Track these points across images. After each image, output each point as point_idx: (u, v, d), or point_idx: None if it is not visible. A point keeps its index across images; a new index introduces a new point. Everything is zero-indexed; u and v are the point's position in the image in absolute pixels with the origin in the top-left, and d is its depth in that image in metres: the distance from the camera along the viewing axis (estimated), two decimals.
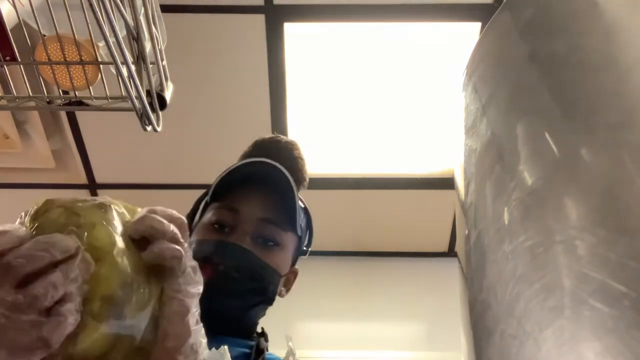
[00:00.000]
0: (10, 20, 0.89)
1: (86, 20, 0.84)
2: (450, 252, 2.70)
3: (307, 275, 2.89)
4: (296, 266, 1.02)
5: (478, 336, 0.45)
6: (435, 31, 2.00)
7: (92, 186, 2.43)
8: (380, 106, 2.20)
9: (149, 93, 0.87)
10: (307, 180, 1.04)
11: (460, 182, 0.59)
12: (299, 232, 0.95)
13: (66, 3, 0.81)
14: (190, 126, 2.21)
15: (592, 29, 0.46)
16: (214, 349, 0.76)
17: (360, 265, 2.69)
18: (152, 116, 0.89)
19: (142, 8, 0.80)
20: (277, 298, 0.97)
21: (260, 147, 1.03)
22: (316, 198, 2.48)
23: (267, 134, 2.24)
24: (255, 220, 0.89)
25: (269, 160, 0.91)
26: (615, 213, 0.34)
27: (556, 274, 0.35)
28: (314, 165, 2.39)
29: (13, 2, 0.85)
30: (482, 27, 1.99)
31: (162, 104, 0.90)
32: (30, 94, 0.96)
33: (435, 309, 2.49)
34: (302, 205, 1.00)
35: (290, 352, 0.78)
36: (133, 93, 0.85)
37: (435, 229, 2.62)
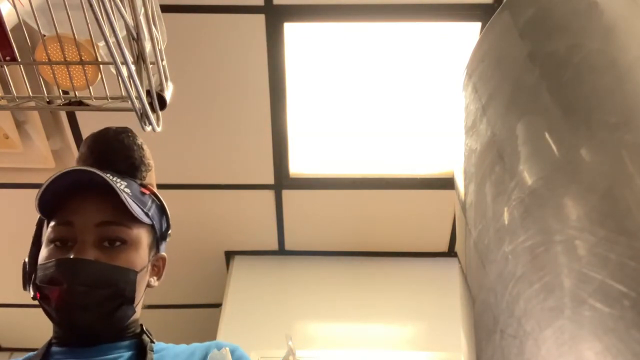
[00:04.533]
0: (10, 20, 0.89)
1: (86, 20, 0.84)
2: (450, 252, 2.70)
3: (307, 275, 2.90)
4: (164, 253, 0.99)
5: (478, 336, 0.45)
6: (435, 31, 2.00)
7: None
8: (380, 106, 2.20)
9: (149, 93, 0.87)
10: (150, 163, 1.00)
11: (460, 182, 0.59)
12: (149, 221, 0.93)
13: (66, 3, 0.82)
14: (190, 126, 2.21)
15: (591, 29, 0.46)
16: (215, 350, 0.76)
17: (360, 265, 2.69)
18: (152, 116, 0.89)
19: (142, 8, 0.80)
20: (149, 290, 0.95)
21: (90, 142, 0.99)
22: (316, 198, 2.49)
23: (267, 133, 2.25)
24: (92, 227, 0.87)
25: (78, 167, 0.89)
26: (615, 213, 0.34)
27: (556, 274, 0.35)
28: (314, 165, 2.39)
29: (13, 2, 0.85)
30: (482, 27, 1.99)
31: (162, 104, 0.90)
32: (30, 94, 0.96)
33: (435, 309, 2.49)
34: (147, 192, 0.97)
35: (290, 352, 0.78)
36: (133, 93, 0.85)
37: (435, 229, 2.62)
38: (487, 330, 0.41)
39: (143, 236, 0.92)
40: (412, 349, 2.40)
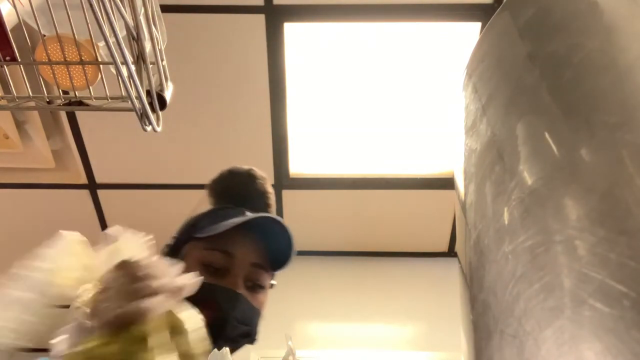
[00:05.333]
0: (10, 20, 0.89)
1: (86, 20, 0.84)
2: (450, 252, 2.70)
3: (308, 276, 2.90)
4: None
5: (478, 336, 0.45)
6: (435, 31, 2.00)
7: (92, 186, 2.43)
8: (380, 106, 2.20)
9: (149, 93, 0.87)
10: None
11: (460, 182, 0.59)
12: (275, 272, 1.00)
13: (66, 3, 0.81)
14: (190, 126, 2.21)
15: (591, 29, 0.46)
16: (215, 349, 0.77)
17: (360, 265, 2.69)
18: (152, 116, 0.89)
19: (142, 8, 0.80)
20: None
21: (236, 177, 1.07)
22: (316, 198, 2.49)
23: (267, 133, 2.25)
24: (248, 265, 0.93)
25: (275, 217, 0.94)
26: (615, 213, 0.34)
27: (556, 274, 0.35)
28: (314, 165, 2.39)
29: (13, 2, 0.85)
30: (482, 27, 1.99)
31: (162, 104, 0.90)
32: (30, 94, 0.96)
33: (435, 309, 2.49)
34: None
35: (290, 352, 0.78)
36: (133, 93, 0.85)
37: (435, 229, 2.62)
38: (487, 330, 0.41)
39: (269, 283, 0.99)
40: (412, 349, 2.40)
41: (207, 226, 0.94)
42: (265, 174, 1.08)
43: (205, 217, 0.98)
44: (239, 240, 0.93)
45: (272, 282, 1.03)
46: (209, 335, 0.86)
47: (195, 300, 0.89)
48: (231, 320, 0.88)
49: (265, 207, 1.04)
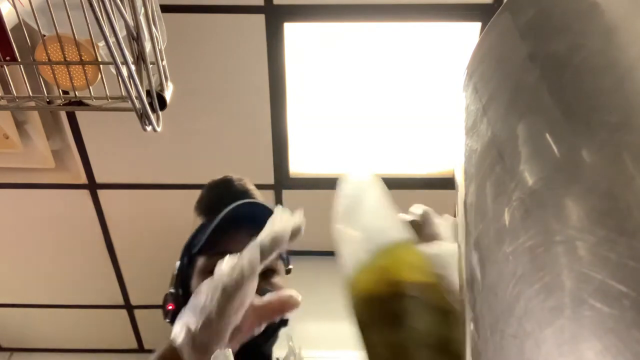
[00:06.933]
0: (10, 20, 0.89)
1: (86, 20, 0.84)
2: None
3: (308, 276, 2.90)
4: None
5: (478, 336, 0.45)
6: (435, 31, 2.00)
7: (92, 186, 2.43)
8: (380, 106, 2.20)
9: (149, 93, 0.87)
10: None
11: (460, 182, 0.59)
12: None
13: (66, 3, 0.82)
14: (190, 126, 2.21)
15: (593, 29, 0.46)
16: (218, 350, 0.78)
17: None
18: (152, 116, 0.89)
19: (142, 8, 0.80)
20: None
21: (214, 188, 1.10)
22: (316, 198, 2.49)
23: (267, 133, 2.25)
24: None
25: (249, 200, 0.96)
26: (615, 213, 0.34)
27: (556, 274, 0.35)
28: (314, 165, 2.39)
29: (13, 2, 0.85)
30: (482, 27, 1.99)
31: (162, 104, 0.90)
32: (30, 94, 0.96)
33: None
34: None
35: (291, 352, 0.79)
36: (133, 93, 0.85)
37: None
38: (487, 330, 0.41)
39: (282, 266, 1.01)
40: None
41: (200, 240, 0.97)
42: (242, 177, 1.10)
43: (197, 234, 1.01)
44: (232, 237, 0.95)
45: (289, 266, 1.05)
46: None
47: None
48: None
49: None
